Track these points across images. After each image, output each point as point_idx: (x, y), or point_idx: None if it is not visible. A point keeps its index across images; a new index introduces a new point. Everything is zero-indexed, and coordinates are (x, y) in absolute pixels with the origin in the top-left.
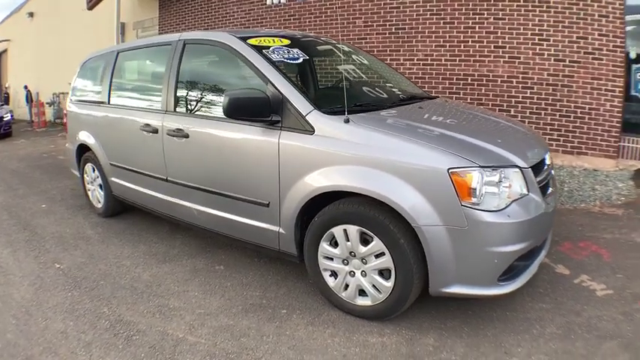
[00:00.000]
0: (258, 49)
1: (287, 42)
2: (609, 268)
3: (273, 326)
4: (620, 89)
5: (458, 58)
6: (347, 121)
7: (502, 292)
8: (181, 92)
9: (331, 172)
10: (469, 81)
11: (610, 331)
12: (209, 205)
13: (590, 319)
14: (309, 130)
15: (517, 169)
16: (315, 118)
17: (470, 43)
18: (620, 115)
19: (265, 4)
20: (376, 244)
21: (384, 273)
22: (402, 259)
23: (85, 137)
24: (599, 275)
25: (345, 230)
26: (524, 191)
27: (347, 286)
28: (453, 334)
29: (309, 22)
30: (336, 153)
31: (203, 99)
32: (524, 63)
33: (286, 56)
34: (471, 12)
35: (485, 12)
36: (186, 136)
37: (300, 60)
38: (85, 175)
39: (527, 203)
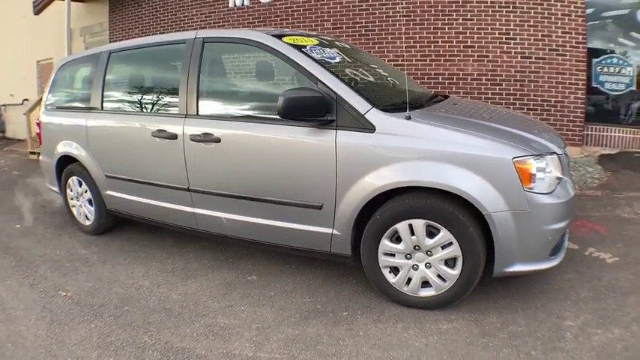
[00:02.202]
0: (298, 47)
1: (316, 41)
2: (609, 240)
3: (343, 329)
4: (583, 82)
5: (428, 58)
6: (409, 117)
7: (553, 264)
8: (206, 94)
9: (398, 168)
10: (440, 80)
11: (629, 289)
12: (245, 212)
13: (611, 282)
14: (370, 128)
15: (555, 156)
16: (375, 116)
17: (440, 44)
18: (583, 106)
19: (227, 6)
20: (444, 235)
21: (448, 262)
22: (470, 247)
23: (69, 148)
24: (603, 247)
25: (410, 225)
26: (560, 175)
27: (409, 280)
28: (509, 310)
29: (274, 24)
30: (402, 149)
31: (237, 100)
32: (492, 61)
33: (325, 55)
34: (440, 13)
35: (454, 13)
36: (217, 140)
37: (337, 60)
38: (67, 191)
39: (564, 185)
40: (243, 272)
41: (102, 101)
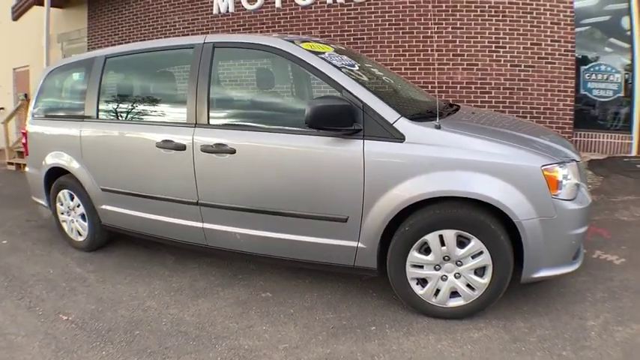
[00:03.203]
0: (317, 54)
1: (331, 48)
2: (613, 243)
3: (375, 344)
4: (572, 89)
5: (418, 67)
6: (438, 127)
7: (575, 268)
8: (218, 102)
9: (430, 178)
10: (429, 88)
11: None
12: (261, 227)
13: (622, 282)
14: (399, 138)
15: (574, 163)
16: (405, 125)
17: (429, 52)
18: (572, 112)
19: (211, 13)
20: (475, 244)
21: (477, 271)
22: (500, 255)
23: (60, 159)
24: (609, 249)
25: (440, 236)
26: (578, 181)
27: (437, 291)
28: (534, 315)
29: (260, 32)
30: (433, 159)
31: (253, 109)
32: (482, 69)
33: (344, 63)
34: (430, 22)
35: (444, 22)
36: (232, 151)
37: (356, 67)
38: (57, 205)
39: (583, 191)
40: (256, 289)
41: (97, 110)
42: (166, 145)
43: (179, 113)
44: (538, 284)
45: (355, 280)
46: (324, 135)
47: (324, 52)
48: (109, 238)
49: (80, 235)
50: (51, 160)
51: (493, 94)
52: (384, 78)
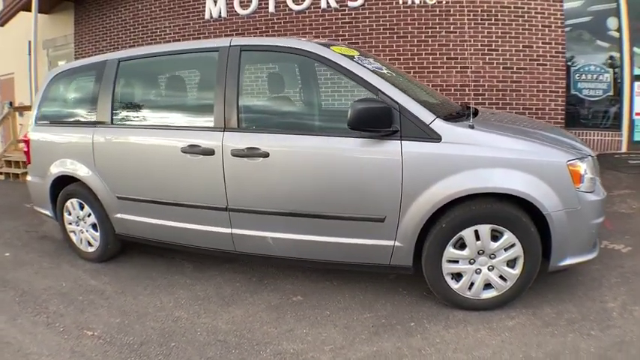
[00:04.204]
0: (350, 57)
1: (357, 52)
2: (617, 233)
3: (419, 339)
4: (563, 90)
5: (412, 71)
6: (472, 126)
7: (595, 255)
8: (248, 105)
9: (467, 176)
10: None
11: None
12: (295, 230)
13: (632, 267)
14: (436, 138)
15: (590, 158)
16: (441, 125)
17: (424, 56)
18: (563, 112)
19: (203, 18)
20: (508, 237)
21: (509, 263)
22: (531, 246)
23: (69, 167)
24: (614, 239)
25: (475, 231)
26: (593, 175)
27: (471, 284)
28: (559, 301)
29: (254, 37)
30: (469, 157)
31: (284, 111)
32: (475, 72)
33: (374, 66)
34: (424, 26)
35: (437, 26)
36: (265, 155)
37: (384, 70)
38: (65, 214)
39: (598, 184)
40: (286, 293)
41: (112, 115)
42: (193, 150)
43: (205, 117)
44: (556, 275)
45: (382, 279)
46: (359, 136)
47: (354, 56)
48: (121, 249)
49: (90, 245)
50: (58, 168)
51: (486, 96)
52: (409, 80)
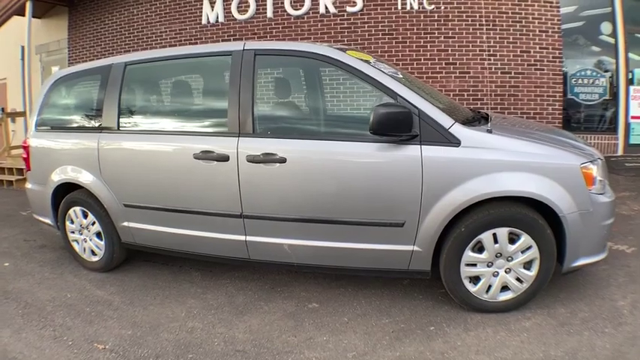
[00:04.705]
0: (367, 62)
1: (371, 57)
2: (620, 235)
3: (440, 343)
4: (560, 94)
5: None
6: (490, 131)
7: (605, 255)
8: (263, 111)
9: (486, 180)
10: None
11: None
12: (312, 236)
13: (638, 267)
14: (455, 143)
15: (599, 161)
16: (460, 130)
17: (422, 61)
18: (560, 116)
19: (200, 23)
20: (525, 239)
21: (526, 265)
22: (547, 248)
23: (73, 174)
24: (618, 240)
25: (494, 234)
26: (602, 178)
27: (489, 287)
28: (571, 301)
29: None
30: (487, 161)
31: (301, 117)
32: (474, 77)
33: (390, 70)
34: (422, 32)
35: (436, 31)
36: (282, 160)
37: (400, 75)
38: (67, 223)
39: (608, 187)
40: (301, 300)
41: (119, 120)
42: (206, 155)
43: (218, 122)
44: (565, 275)
45: (396, 284)
46: (379, 141)
47: (369, 61)
48: (125, 258)
49: (94, 254)
50: (61, 175)
51: (485, 101)
52: (419, 85)
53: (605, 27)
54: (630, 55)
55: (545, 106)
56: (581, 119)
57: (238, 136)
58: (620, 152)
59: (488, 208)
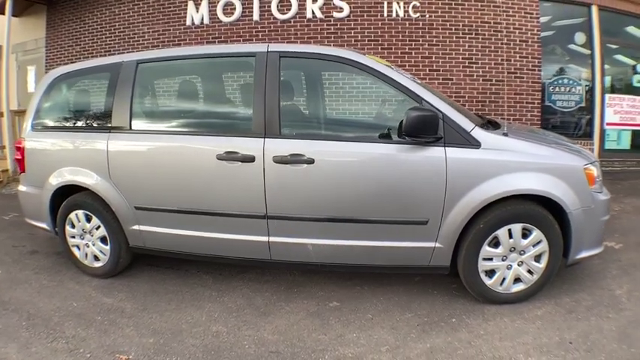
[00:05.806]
0: (389, 67)
1: (386, 62)
2: (607, 233)
3: (465, 333)
4: (539, 101)
5: None
6: (506, 134)
7: (602, 249)
8: (289, 112)
9: (504, 179)
10: None
11: None
12: (336, 236)
13: (628, 261)
14: (476, 145)
15: (597, 162)
16: (480, 133)
17: (407, 67)
18: (539, 122)
19: (184, 24)
20: (536, 234)
21: (536, 258)
22: (555, 242)
23: (76, 176)
24: (606, 238)
25: (509, 230)
26: (600, 178)
27: (503, 279)
28: (573, 292)
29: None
30: (505, 162)
31: (329, 118)
32: (456, 84)
33: (409, 76)
34: (407, 39)
35: (420, 39)
36: (310, 161)
37: (419, 81)
38: (67, 227)
39: (603, 186)
40: (321, 300)
41: (131, 120)
42: (231, 156)
43: (241, 123)
44: (564, 269)
45: (409, 281)
46: (405, 143)
47: (391, 66)
48: (131, 262)
49: (97, 260)
50: (61, 177)
51: (467, 107)
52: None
53: (583, 36)
54: (606, 63)
55: (525, 112)
56: (559, 125)
57: (264, 137)
58: (595, 157)
59: (505, 205)
